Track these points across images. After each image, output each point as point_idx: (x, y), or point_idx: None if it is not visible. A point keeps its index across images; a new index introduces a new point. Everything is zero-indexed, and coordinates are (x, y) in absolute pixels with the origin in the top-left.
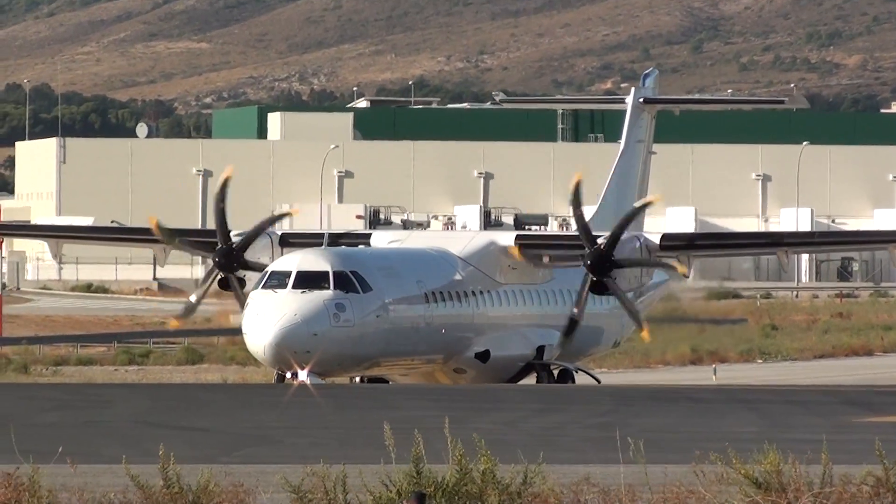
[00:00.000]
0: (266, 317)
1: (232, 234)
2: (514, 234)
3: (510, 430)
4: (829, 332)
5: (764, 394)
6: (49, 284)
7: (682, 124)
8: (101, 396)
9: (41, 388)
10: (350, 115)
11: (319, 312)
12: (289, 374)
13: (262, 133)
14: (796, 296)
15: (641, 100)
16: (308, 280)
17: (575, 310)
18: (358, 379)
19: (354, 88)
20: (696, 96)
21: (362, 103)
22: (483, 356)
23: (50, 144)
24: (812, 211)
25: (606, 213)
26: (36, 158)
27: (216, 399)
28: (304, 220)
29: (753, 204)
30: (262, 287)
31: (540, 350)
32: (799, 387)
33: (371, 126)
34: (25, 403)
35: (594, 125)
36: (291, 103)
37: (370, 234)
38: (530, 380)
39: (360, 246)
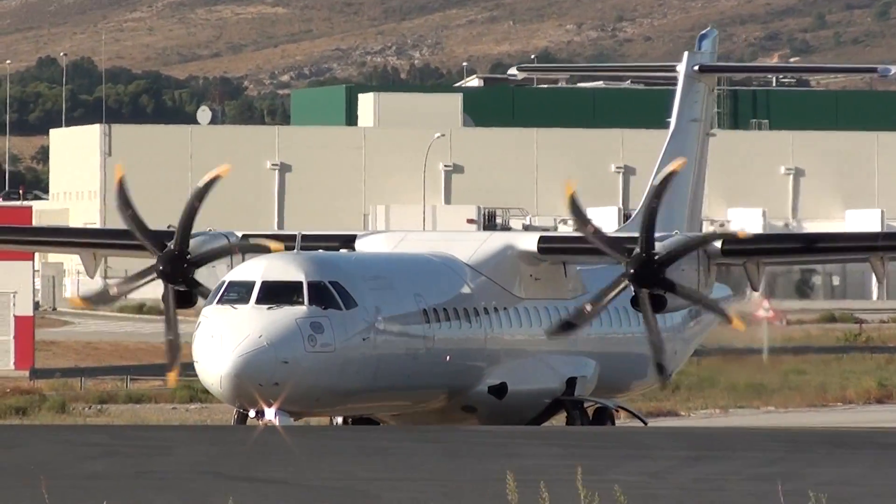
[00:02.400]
0: (222, 340)
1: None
2: (536, 235)
3: (656, 482)
4: None
5: None
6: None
7: (863, 108)
8: (156, 441)
9: (82, 430)
10: (459, 97)
11: (291, 334)
12: (252, 413)
13: (351, 118)
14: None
15: (696, 67)
16: (276, 293)
17: (651, 338)
18: (340, 419)
19: (464, 64)
20: (770, 63)
21: (474, 82)
22: (498, 391)
23: (92, 132)
24: None
25: None
26: (75, 149)
27: (295, 444)
28: (404, 225)
29: None
30: (218, 301)
31: (570, 383)
32: None
33: (484, 110)
34: (63, 449)
35: (756, 109)
36: (387, 82)
37: (355, 236)
38: (558, 421)
39: (341, 250)
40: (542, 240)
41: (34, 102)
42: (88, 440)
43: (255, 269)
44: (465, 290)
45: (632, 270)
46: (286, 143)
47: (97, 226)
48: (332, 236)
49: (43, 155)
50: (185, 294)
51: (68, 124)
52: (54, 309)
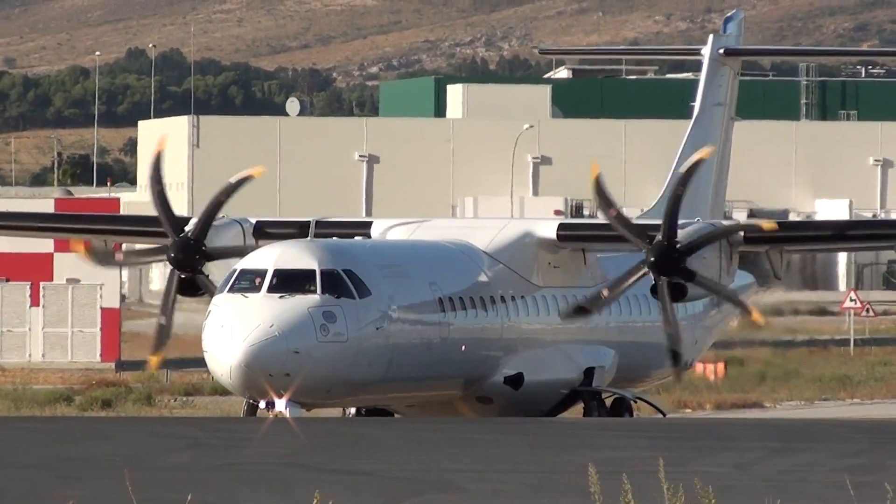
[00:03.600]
0: (233, 329)
1: (190, 223)
2: (556, 222)
3: (740, 473)
4: None
5: None
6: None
7: None
8: (241, 433)
9: (168, 422)
10: (548, 88)
11: (302, 324)
12: (262, 404)
13: (440, 110)
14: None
15: (721, 50)
16: (288, 281)
17: (667, 329)
18: (353, 410)
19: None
20: (792, 46)
21: (563, 73)
22: (515, 381)
23: (180, 124)
24: None
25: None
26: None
27: (383, 435)
28: (491, 214)
29: None
30: (229, 290)
31: (588, 373)
32: None
33: (573, 101)
34: (149, 442)
35: (846, 100)
36: (476, 73)
37: (370, 223)
38: (575, 412)
39: (356, 238)
40: (561, 227)
41: (123, 94)
42: (174, 432)
43: (268, 257)
44: (482, 278)
45: (652, 258)
46: (374, 134)
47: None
48: (348, 223)
49: (131, 147)
50: (191, 282)
51: (157, 116)
52: (140, 301)
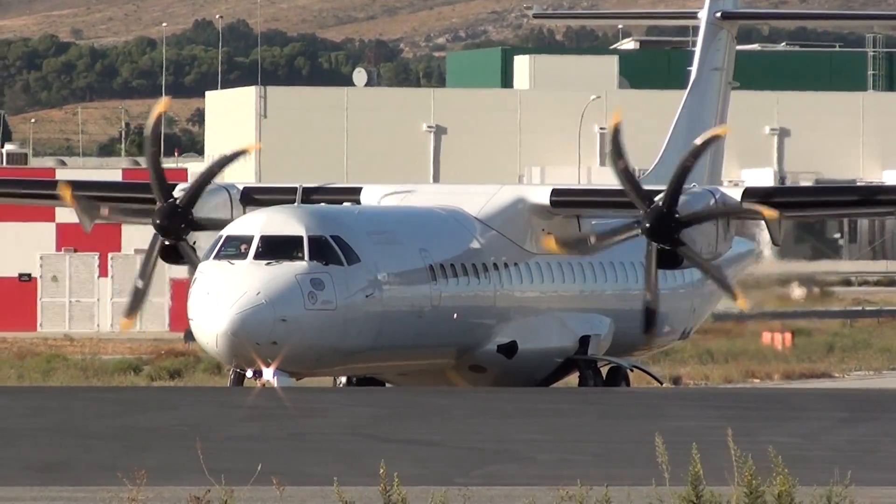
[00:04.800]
0: (219, 297)
1: (178, 189)
2: (549, 188)
3: (810, 443)
4: None
5: None
6: None
7: None
8: (311, 403)
9: (236, 392)
10: (615, 59)
11: (290, 291)
12: (249, 373)
13: (507, 81)
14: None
15: (718, 14)
16: (275, 248)
17: (647, 294)
18: (344, 379)
19: (620, 26)
20: (790, 10)
21: (630, 44)
22: (508, 350)
23: (248, 94)
24: None
25: (670, 164)
26: (230, 112)
27: (451, 405)
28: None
29: None
30: (215, 257)
31: (584, 342)
32: None
33: (641, 72)
34: (217, 412)
35: None
36: (543, 44)
37: (360, 189)
38: (571, 381)
39: (345, 204)
40: (554, 192)
41: (190, 65)
42: (242, 402)
43: (254, 223)
44: (474, 244)
45: (647, 224)
46: (441, 105)
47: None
48: (337, 189)
49: (198, 117)
50: (174, 248)
51: (224, 87)
52: None
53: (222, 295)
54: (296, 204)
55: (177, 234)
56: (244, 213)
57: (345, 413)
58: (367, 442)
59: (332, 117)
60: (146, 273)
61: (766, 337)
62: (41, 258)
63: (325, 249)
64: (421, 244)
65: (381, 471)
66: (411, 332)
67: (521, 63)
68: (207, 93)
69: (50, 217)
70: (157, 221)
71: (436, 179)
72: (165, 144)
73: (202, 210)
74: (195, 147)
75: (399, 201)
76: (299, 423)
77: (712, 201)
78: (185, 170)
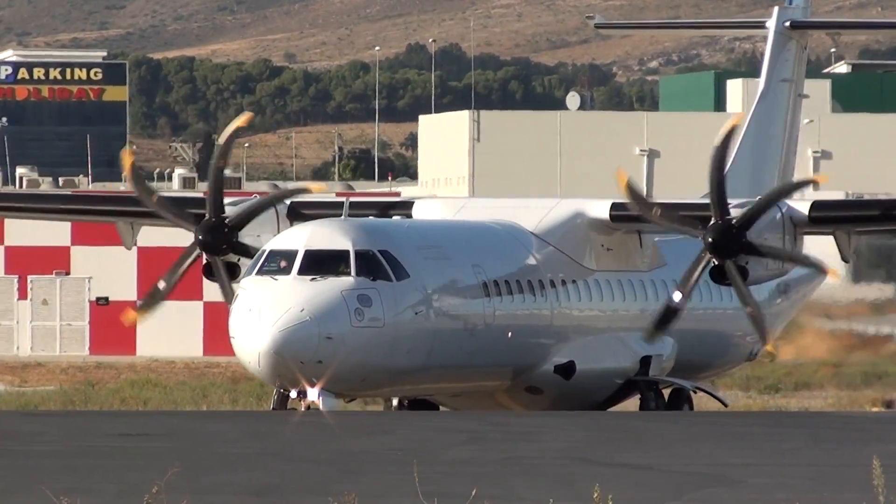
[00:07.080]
0: (262, 314)
1: (228, 204)
2: (608, 202)
3: None
4: None
5: None
6: None
7: None
8: (523, 427)
9: (449, 416)
10: (827, 83)
11: (336, 308)
12: (293, 394)
13: (719, 104)
14: None
15: (787, 24)
16: (321, 263)
17: (677, 294)
18: (395, 401)
19: (832, 49)
20: (863, 19)
21: (842, 67)
22: (566, 370)
23: (461, 118)
24: None
25: (738, 177)
26: (444, 135)
27: (664, 430)
28: None
29: None
30: (258, 272)
31: (645, 362)
32: None
33: (853, 96)
34: (432, 436)
35: None
36: (755, 67)
37: (412, 203)
38: (632, 404)
39: (395, 218)
40: (614, 207)
41: (403, 89)
42: (456, 426)
43: (299, 237)
44: (530, 260)
45: (710, 239)
46: (655, 128)
47: None
48: (386, 202)
49: (411, 141)
50: (209, 265)
51: (437, 110)
52: None
53: (265, 312)
54: (343, 217)
55: (216, 250)
56: (290, 227)
57: (559, 437)
58: (580, 466)
59: (545, 141)
60: (172, 278)
61: None
62: None
63: (372, 264)
64: (474, 260)
65: (596, 494)
66: (464, 352)
67: (734, 87)
68: (421, 117)
69: None
70: (199, 235)
71: None
72: (379, 169)
73: (248, 233)
74: (408, 171)
75: (453, 215)
76: (513, 446)
77: (778, 216)
78: (399, 193)
